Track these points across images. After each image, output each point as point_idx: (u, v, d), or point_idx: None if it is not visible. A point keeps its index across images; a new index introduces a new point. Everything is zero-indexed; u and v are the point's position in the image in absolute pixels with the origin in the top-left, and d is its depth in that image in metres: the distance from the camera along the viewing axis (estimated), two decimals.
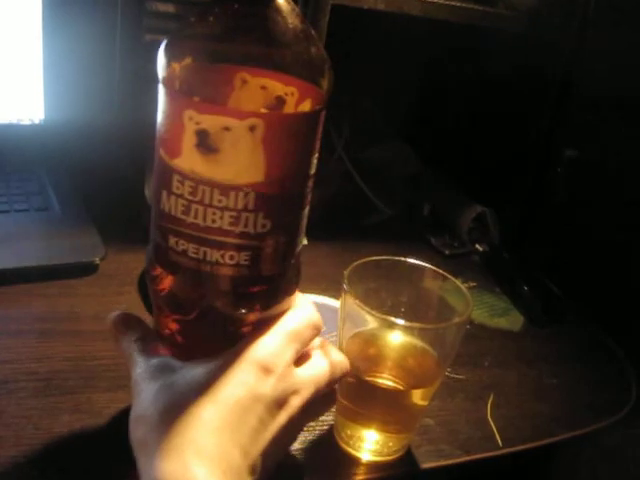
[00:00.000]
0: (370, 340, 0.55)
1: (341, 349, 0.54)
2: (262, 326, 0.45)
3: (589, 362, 0.76)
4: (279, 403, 0.43)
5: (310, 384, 0.45)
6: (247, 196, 0.40)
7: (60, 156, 0.89)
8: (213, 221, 0.41)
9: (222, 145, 0.39)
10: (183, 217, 0.41)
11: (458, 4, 0.83)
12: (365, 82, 1.03)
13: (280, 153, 0.40)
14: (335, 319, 0.55)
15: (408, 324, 0.51)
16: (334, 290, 0.74)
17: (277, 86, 0.39)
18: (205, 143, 0.39)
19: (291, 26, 0.40)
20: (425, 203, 1.00)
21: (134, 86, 0.87)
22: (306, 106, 0.40)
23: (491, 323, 0.79)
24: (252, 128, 0.39)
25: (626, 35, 0.83)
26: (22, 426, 0.52)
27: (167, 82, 0.40)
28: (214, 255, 0.41)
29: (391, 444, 0.56)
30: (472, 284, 0.84)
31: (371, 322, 0.52)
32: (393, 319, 0.50)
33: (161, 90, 0.41)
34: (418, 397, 0.54)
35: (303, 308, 0.47)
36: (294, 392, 0.44)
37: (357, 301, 0.50)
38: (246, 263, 0.42)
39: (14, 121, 0.88)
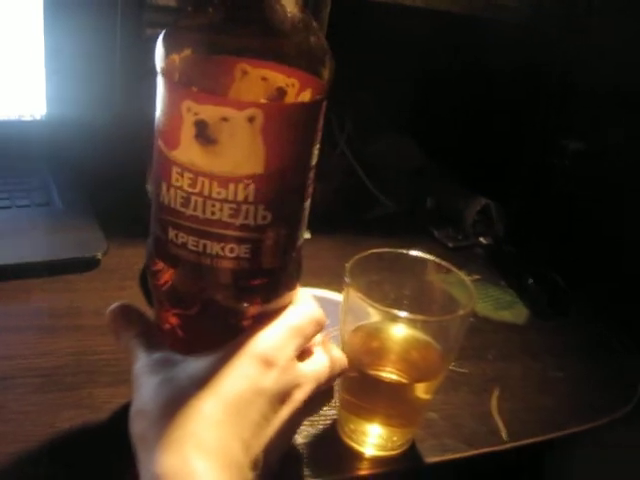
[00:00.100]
0: (373, 333, 0.55)
1: (343, 343, 0.54)
2: (264, 320, 0.44)
3: (594, 355, 0.76)
4: (281, 397, 0.42)
5: (312, 379, 0.45)
6: (247, 188, 0.40)
7: (61, 151, 0.88)
8: (213, 213, 0.40)
9: (221, 136, 0.38)
10: (182, 209, 0.41)
11: None
12: (367, 75, 1.02)
13: (280, 144, 0.40)
14: (337, 313, 0.54)
15: (411, 317, 0.50)
16: (337, 284, 0.73)
17: (278, 77, 0.38)
18: (204, 134, 0.39)
19: (291, 15, 0.39)
20: (428, 196, 0.99)
21: (135, 80, 0.86)
22: (306, 96, 0.40)
23: (495, 316, 0.79)
24: (251, 119, 0.38)
25: (631, 25, 0.82)
26: (22, 422, 0.52)
27: (166, 73, 0.40)
28: (214, 248, 0.41)
29: (395, 438, 0.56)
30: (476, 277, 0.83)
31: (374, 315, 0.52)
32: (396, 312, 0.49)
33: (160, 81, 0.40)
34: (422, 391, 0.54)
35: (306, 303, 0.47)
36: (296, 386, 0.44)
37: (359, 294, 0.50)
38: (246, 256, 0.42)
39: (15, 117, 0.88)
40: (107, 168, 0.86)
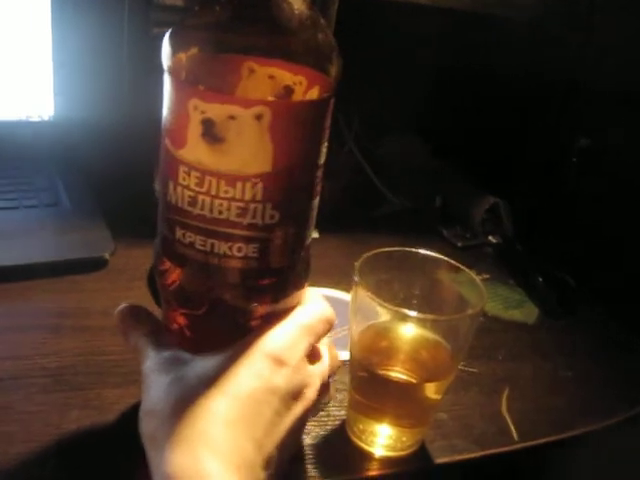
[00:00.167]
0: (382, 333, 0.54)
1: (353, 342, 0.53)
2: (273, 319, 0.44)
3: (605, 355, 0.75)
4: (293, 395, 0.42)
5: (319, 377, 0.45)
6: (255, 186, 0.39)
7: (69, 152, 0.88)
8: (220, 212, 0.40)
9: (228, 134, 0.38)
10: (190, 209, 0.40)
11: None
12: (375, 73, 1.02)
13: (288, 142, 0.39)
14: (346, 312, 0.54)
15: (421, 316, 0.50)
16: (346, 283, 0.72)
17: (285, 75, 0.38)
18: (211, 132, 0.38)
19: (298, 13, 0.39)
20: (437, 195, 0.99)
21: (143, 80, 0.86)
22: (313, 94, 0.39)
23: (505, 315, 0.78)
24: (258, 116, 0.38)
25: (633, 22, 0.82)
26: (31, 422, 0.52)
27: (173, 72, 0.39)
28: (222, 247, 0.41)
29: (404, 439, 0.55)
30: (485, 276, 0.83)
31: (383, 314, 0.52)
32: (406, 311, 0.49)
33: (166, 80, 0.40)
34: (431, 391, 0.54)
35: (316, 302, 0.47)
36: (308, 384, 0.44)
37: (369, 293, 0.49)
38: (255, 255, 0.41)
39: (23, 117, 0.88)
40: (115, 168, 0.86)
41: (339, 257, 0.80)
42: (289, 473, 0.44)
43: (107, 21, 0.90)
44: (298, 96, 0.38)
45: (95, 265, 0.72)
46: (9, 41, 0.82)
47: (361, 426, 0.56)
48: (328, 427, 0.57)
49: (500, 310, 0.79)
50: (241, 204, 0.39)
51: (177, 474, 0.36)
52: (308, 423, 0.49)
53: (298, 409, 0.43)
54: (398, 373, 0.53)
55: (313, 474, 0.53)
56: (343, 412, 0.58)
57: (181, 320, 0.45)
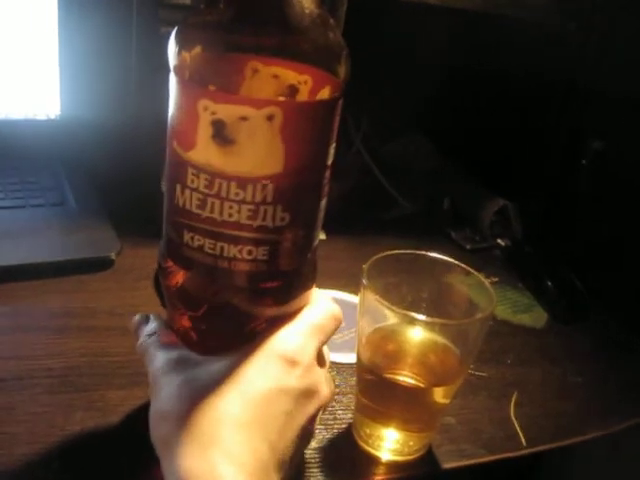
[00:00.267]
0: (390, 336, 0.54)
1: (360, 345, 0.53)
2: (282, 321, 0.44)
3: (615, 360, 0.74)
4: (306, 395, 0.42)
5: (329, 376, 0.46)
6: (265, 188, 0.39)
7: (76, 151, 0.88)
8: (230, 215, 0.39)
9: (239, 136, 0.37)
10: (198, 212, 0.40)
11: None
12: (384, 74, 1.01)
13: (299, 143, 0.39)
14: (353, 315, 0.53)
15: (429, 320, 0.49)
16: (353, 285, 0.72)
17: (290, 74, 0.37)
18: (221, 134, 0.37)
19: (308, 12, 0.38)
20: (445, 197, 0.98)
21: (150, 80, 0.86)
22: (324, 94, 0.39)
23: (514, 319, 0.78)
24: (270, 117, 0.37)
25: (633, 22, 0.81)
26: (35, 423, 0.51)
27: (178, 71, 0.39)
28: (231, 250, 0.40)
29: (411, 443, 0.55)
30: (494, 279, 0.82)
31: (391, 318, 0.51)
32: (414, 314, 0.48)
33: (173, 79, 0.39)
34: (439, 395, 0.53)
35: (323, 301, 0.46)
36: (319, 384, 0.43)
37: (377, 296, 0.49)
38: (264, 258, 0.41)
39: (30, 116, 0.88)
40: (121, 168, 0.86)
41: (346, 259, 0.79)
42: (295, 477, 0.44)
43: (115, 19, 0.89)
44: (304, 95, 0.38)
45: (101, 265, 0.72)
46: (16, 39, 0.82)
47: (368, 430, 0.55)
48: (334, 430, 0.57)
49: (509, 314, 0.78)
50: (251, 206, 0.39)
51: (191, 478, 0.36)
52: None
53: (310, 409, 0.42)
54: (406, 377, 0.53)
55: (319, 478, 0.52)
56: (349, 415, 0.58)
57: (186, 322, 0.44)
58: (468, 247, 0.91)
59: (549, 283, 0.83)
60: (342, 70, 0.40)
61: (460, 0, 0.83)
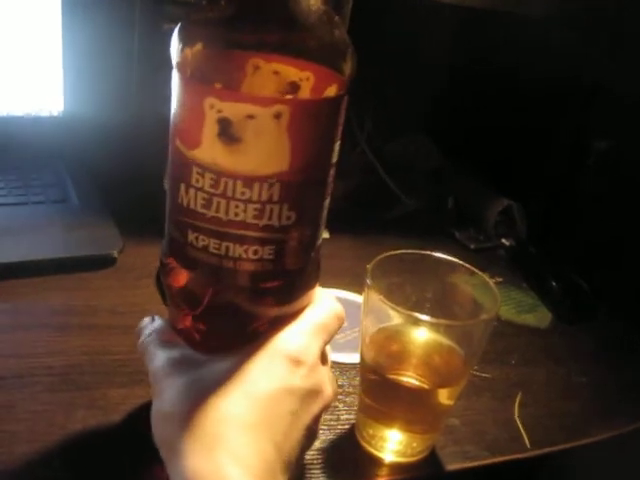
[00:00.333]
0: (394, 336, 0.53)
1: (364, 345, 0.52)
2: (285, 320, 0.43)
3: (619, 360, 0.74)
4: (311, 395, 0.41)
5: (332, 375, 0.45)
6: (271, 187, 0.38)
7: (78, 148, 0.88)
8: (236, 214, 0.39)
9: (246, 134, 0.37)
10: (204, 211, 0.39)
11: None
12: (388, 73, 1.01)
13: (305, 141, 0.38)
14: (357, 314, 0.53)
15: (434, 321, 0.49)
16: (357, 285, 0.72)
17: (291, 71, 0.37)
18: (227, 132, 0.37)
19: (313, 8, 0.38)
20: (449, 196, 0.98)
21: (153, 77, 0.85)
22: (331, 92, 0.38)
23: (518, 319, 0.77)
24: (277, 115, 0.36)
25: None
26: (36, 421, 0.51)
27: (181, 68, 0.38)
28: (237, 250, 0.40)
29: (415, 444, 0.54)
30: (498, 279, 0.82)
31: (395, 318, 0.50)
32: (418, 315, 0.48)
33: (176, 77, 0.39)
34: (443, 396, 0.53)
35: (326, 300, 0.46)
36: (324, 383, 0.43)
37: (381, 296, 0.48)
38: (270, 257, 0.40)
39: (33, 113, 0.87)
40: (123, 165, 0.86)
41: (350, 258, 0.79)
42: (297, 478, 0.43)
43: (118, 16, 0.89)
44: (308, 93, 0.37)
45: (103, 263, 0.72)
46: (19, 36, 0.82)
47: (371, 431, 0.55)
48: (337, 431, 0.56)
49: (513, 314, 0.77)
50: (258, 205, 0.38)
51: (197, 479, 0.36)
52: None
53: (315, 409, 0.42)
54: (410, 378, 0.52)
55: (321, 479, 0.52)
56: (352, 416, 0.58)
57: (189, 321, 0.44)
58: (472, 247, 0.90)
59: (553, 283, 0.82)
60: (348, 67, 0.39)
61: None
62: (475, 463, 0.56)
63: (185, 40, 0.38)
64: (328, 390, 0.43)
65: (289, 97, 0.37)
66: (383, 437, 0.54)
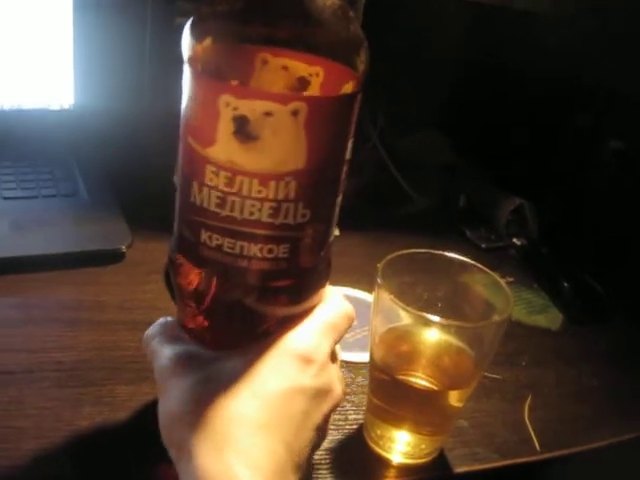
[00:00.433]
0: (404, 336, 0.53)
1: (373, 345, 0.52)
2: (295, 319, 0.43)
3: (632, 362, 0.73)
4: (321, 393, 0.41)
5: (341, 374, 0.45)
6: (288, 185, 0.38)
7: (89, 142, 0.88)
8: (251, 213, 0.38)
9: (263, 132, 0.36)
10: (218, 210, 0.38)
11: None
12: (401, 70, 1.00)
13: (321, 138, 0.38)
14: (366, 313, 0.52)
15: (445, 322, 0.48)
16: (365, 282, 0.72)
17: (300, 66, 0.36)
18: (244, 130, 0.36)
19: (328, 3, 0.37)
20: (461, 194, 0.97)
21: (164, 71, 0.85)
22: (348, 88, 0.38)
23: (529, 320, 0.76)
24: (295, 112, 0.36)
25: None
26: (43, 417, 0.51)
27: (193, 63, 0.38)
28: (252, 249, 0.39)
29: (423, 446, 0.54)
30: (509, 279, 0.81)
31: (405, 318, 0.50)
32: (429, 316, 0.47)
33: (189, 73, 0.38)
34: (453, 398, 0.52)
35: (336, 299, 0.45)
36: (333, 381, 0.42)
37: (391, 296, 0.48)
38: (285, 256, 0.40)
39: (43, 106, 0.87)
40: (134, 159, 0.86)
41: (359, 256, 0.78)
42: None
43: (130, 10, 0.89)
44: (318, 88, 0.37)
45: (112, 257, 0.72)
46: (31, 29, 0.81)
47: (379, 431, 0.54)
48: (345, 431, 0.56)
49: (524, 315, 0.77)
50: (273, 204, 0.38)
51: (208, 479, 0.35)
52: None
53: (325, 408, 0.41)
54: (419, 379, 0.52)
55: (328, 479, 0.51)
56: (361, 416, 0.57)
57: (198, 320, 0.43)
58: (483, 246, 0.90)
59: (565, 283, 0.81)
60: (362, 63, 0.39)
61: None
62: (484, 466, 0.55)
63: (196, 35, 0.38)
64: (338, 389, 0.43)
65: (307, 94, 0.36)
66: (391, 438, 0.54)
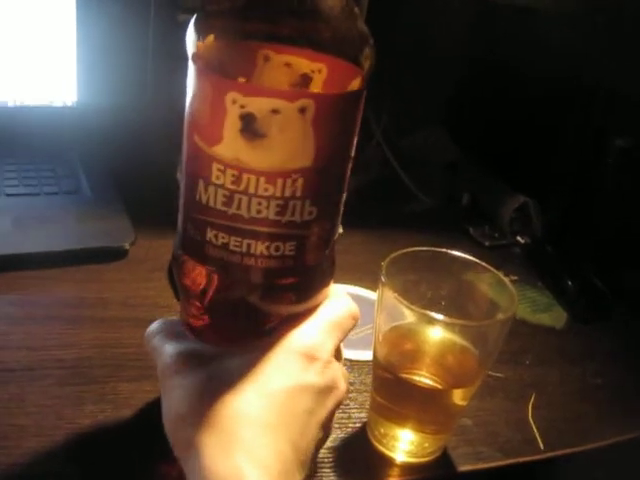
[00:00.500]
0: (407, 335, 0.53)
1: (377, 343, 0.52)
2: (299, 317, 0.42)
3: (635, 361, 0.72)
4: (326, 391, 0.41)
5: (345, 372, 0.44)
6: (295, 183, 0.37)
7: (92, 139, 0.87)
8: (259, 211, 0.38)
9: (270, 129, 0.36)
10: (224, 209, 0.38)
11: None
12: (405, 67, 1.00)
13: (328, 135, 0.37)
14: (369, 311, 0.52)
15: (449, 320, 0.48)
16: (369, 280, 0.71)
17: (303, 63, 0.36)
18: (251, 128, 0.36)
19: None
20: (465, 192, 0.97)
21: (167, 67, 0.85)
22: (355, 85, 0.37)
23: (533, 319, 0.76)
24: (302, 110, 0.36)
25: None
26: (44, 415, 0.51)
27: (197, 60, 0.38)
28: (259, 247, 0.39)
29: (427, 445, 0.53)
30: (513, 277, 0.80)
31: (409, 316, 0.50)
32: (433, 314, 0.47)
33: (194, 70, 0.38)
34: (457, 397, 0.52)
35: (341, 298, 0.45)
36: (338, 379, 0.42)
37: (395, 294, 0.48)
38: (291, 253, 0.39)
39: (46, 103, 0.87)
40: (136, 157, 0.85)
41: (363, 253, 0.78)
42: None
43: (133, 7, 0.89)
44: (318, 84, 0.36)
45: (115, 255, 0.71)
46: (34, 26, 0.81)
47: (382, 430, 0.54)
48: (348, 429, 0.56)
49: (528, 313, 0.76)
50: (281, 201, 0.38)
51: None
52: None
53: (329, 405, 0.41)
54: (423, 377, 0.52)
55: (331, 478, 0.51)
56: (364, 414, 0.57)
57: (202, 318, 0.43)
58: (487, 244, 0.89)
59: (569, 282, 0.81)
60: (368, 60, 0.38)
61: None
62: (488, 464, 0.55)
63: (200, 31, 0.37)
64: (342, 386, 0.43)
65: (315, 91, 0.36)
66: (395, 436, 0.53)
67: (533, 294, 0.81)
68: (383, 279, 0.49)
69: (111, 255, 0.71)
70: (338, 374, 0.43)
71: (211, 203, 0.38)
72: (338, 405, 0.43)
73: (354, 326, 0.45)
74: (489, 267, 0.53)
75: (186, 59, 0.39)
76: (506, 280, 0.52)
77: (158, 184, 0.77)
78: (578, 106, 0.93)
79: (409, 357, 0.54)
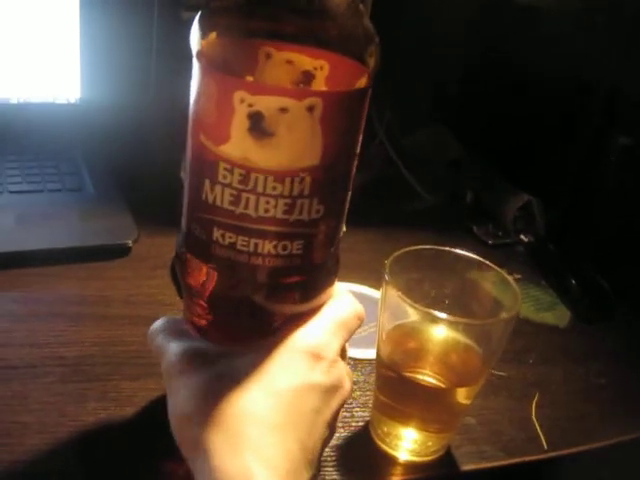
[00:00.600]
0: (411, 333, 0.52)
1: (381, 341, 0.52)
2: (304, 316, 0.42)
3: (638, 361, 0.72)
4: (331, 390, 0.41)
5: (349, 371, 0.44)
6: (303, 181, 0.37)
7: (95, 136, 0.87)
8: (266, 210, 0.38)
9: (278, 128, 0.36)
10: (231, 208, 0.38)
11: None
12: (408, 65, 0.99)
13: (335, 133, 0.37)
14: (373, 309, 0.52)
15: (452, 319, 0.48)
16: (373, 279, 0.71)
17: (305, 60, 0.36)
18: (259, 127, 0.36)
19: None
20: (468, 190, 0.96)
21: (171, 65, 0.85)
22: (361, 83, 0.37)
23: (536, 318, 0.76)
24: (310, 108, 0.35)
25: None
26: (47, 412, 0.51)
27: (203, 59, 0.37)
28: (266, 246, 0.39)
29: (430, 444, 0.53)
30: (517, 276, 0.80)
31: (413, 315, 0.50)
32: (437, 313, 0.47)
33: (199, 69, 0.38)
34: (460, 396, 0.52)
35: (346, 299, 0.45)
36: (343, 377, 0.42)
37: (399, 293, 0.47)
38: (299, 252, 0.39)
39: (50, 100, 0.87)
40: (140, 154, 0.85)
41: (366, 252, 0.78)
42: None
43: (137, 4, 0.88)
44: (320, 81, 0.36)
45: (118, 252, 0.71)
46: (38, 23, 0.81)
47: (385, 429, 0.54)
48: (351, 428, 0.55)
49: (531, 312, 0.76)
50: (288, 200, 0.37)
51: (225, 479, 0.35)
52: None
53: (335, 404, 0.41)
54: (426, 376, 0.52)
55: (334, 477, 0.51)
56: (367, 413, 0.57)
57: (206, 317, 0.43)
58: (490, 242, 0.89)
59: (572, 281, 0.81)
60: (373, 58, 0.38)
61: None
62: (491, 464, 0.55)
63: (204, 29, 0.37)
64: (347, 385, 0.43)
65: (323, 89, 0.36)
66: (398, 435, 0.53)
67: (537, 293, 0.80)
68: (386, 277, 0.49)
69: (114, 252, 0.71)
70: (343, 373, 0.42)
71: (218, 202, 0.38)
72: (342, 404, 0.43)
73: (359, 326, 0.45)
74: (493, 265, 0.53)
75: (190, 58, 0.38)
76: (510, 279, 0.51)
77: (161, 182, 0.77)
78: (580, 104, 0.92)
79: (413, 356, 0.53)
